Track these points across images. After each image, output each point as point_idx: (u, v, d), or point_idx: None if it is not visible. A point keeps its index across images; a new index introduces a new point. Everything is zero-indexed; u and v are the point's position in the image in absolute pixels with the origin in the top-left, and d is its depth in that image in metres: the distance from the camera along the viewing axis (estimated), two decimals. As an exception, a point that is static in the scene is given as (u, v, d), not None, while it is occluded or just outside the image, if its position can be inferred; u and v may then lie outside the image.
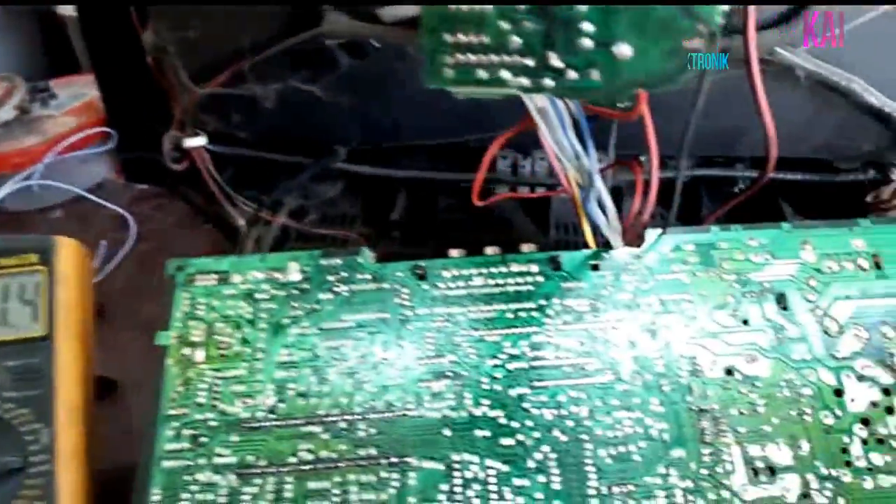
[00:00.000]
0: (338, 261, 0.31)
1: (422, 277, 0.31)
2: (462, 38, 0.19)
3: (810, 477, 0.27)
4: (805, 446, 0.28)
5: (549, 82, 0.19)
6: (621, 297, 0.31)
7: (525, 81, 0.19)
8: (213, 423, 0.29)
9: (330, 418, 0.29)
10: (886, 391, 0.29)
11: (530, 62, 0.19)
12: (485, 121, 0.38)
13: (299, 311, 0.31)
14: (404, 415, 0.29)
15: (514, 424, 0.28)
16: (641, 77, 0.18)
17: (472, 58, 0.19)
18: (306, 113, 0.42)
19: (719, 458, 0.27)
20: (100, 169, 0.59)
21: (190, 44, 0.39)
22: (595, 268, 0.31)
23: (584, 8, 0.18)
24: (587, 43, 0.18)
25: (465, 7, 0.18)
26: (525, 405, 0.29)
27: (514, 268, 0.31)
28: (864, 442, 0.28)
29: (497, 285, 0.31)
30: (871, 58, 0.35)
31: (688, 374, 0.29)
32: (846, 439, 0.28)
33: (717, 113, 0.38)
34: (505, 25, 0.19)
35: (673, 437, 0.28)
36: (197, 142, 0.44)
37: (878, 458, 0.28)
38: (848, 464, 0.27)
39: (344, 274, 0.31)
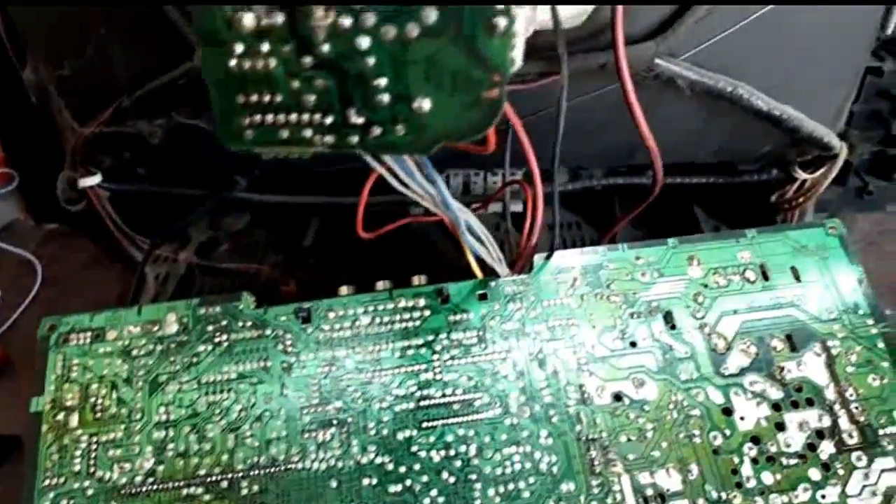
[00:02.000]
0: (217, 309, 0.30)
1: (306, 320, 0.30)
2: (254, 98, 0.18)
3: (700, 502, 0.27)
4: (695, 470, 0.27)
5: (354, 139, 0.18)
6: (509, 327, 0.30)
7: (330, 139, 0.18)
8: (90, 492, 0.28)
9: (211, 478, 0.28)
10: (776, 406, 0.29)
11: (331, 120, 0.18)
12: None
13: (178, 366, 0.29)
14: (289, 469, 0.28)
15: (402, 469, 0.27)
16: (447, 129, 0.18)
17: (269, 118, 0.18)
18: (199, 146, 0.40)
19: (609, 488, 0.27)
20: (8, 210, 0.57)
21: (67, 82, 0.38)
22: (483, 297, 0.31)
23: (372, 62, 0.17)
24: (385, 98, 0.18)
25: (247, 65, 0.17)
26: (413, 448, 0.28)
27: (402, 303, 0.30)
28: (755, 461, 0.28)
29: (384, 323, 0.30)
30: (754, 63, 0.34)
31: (576, 403, 0.28)
32: (736, 460, 0.28)
33: (618, 124, 0.37)
34: (296, 84, 0.18)
35: (562, 469, 0.27)
36: (91, 181, 0.42)
37: (768, 477, 0.27)
38: (738, 485, 0.27)
39: (224, 322, 0.30)
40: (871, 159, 0.50)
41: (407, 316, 0.30)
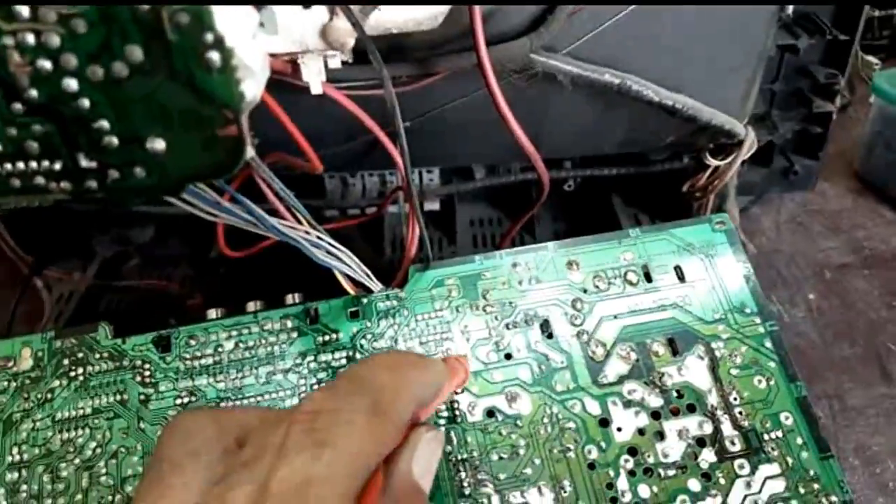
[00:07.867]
0: (72, 341, 0.29)
1: (166, 349, 0.29)
2: (-26, 149, 0.16)
3: (573, 519, 0.26)
4: (568, 486, 0.26)
5: (92, 184, 0.17)
6: (381, 345, 0.29)
7: (67, 185, 0.17)
8: (-60, 541, 0.26)
9: (64, 520, 0.26)
10: (655, 414, 0.27)
11: (60, 166, 0.17)
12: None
13: (32, 403, 0.28)
14: (146, 506, 0.26)
15: (264, 501, 0.26)
16: (190, 169, 0.16)
17: (-5, 168, 0.17)
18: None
19: (478, 510, 0.26)
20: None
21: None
22: (355, 315, 0.29)
23: (87, 104, 0.16)
24: (113, 140, 0.16)
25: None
26: (277, 478, 0.27)
27: (268, 326, 0.29)
28: (631, 474, 0.26)
29: (248, 348, 0.29)
30: (642, 53, 0.33)
31: (446, 422, 0.27)
32: (612, 473, 0.26)
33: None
34: (13, 132, 0.16)
35: (430, 494, 0.26)
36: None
37: (645, 490, 0.26)
38: (613, 500, 0.26)
39: (80, 355, 0.29)
40: (795, 138, 0.49)
41: (273, 339, 0.29)
